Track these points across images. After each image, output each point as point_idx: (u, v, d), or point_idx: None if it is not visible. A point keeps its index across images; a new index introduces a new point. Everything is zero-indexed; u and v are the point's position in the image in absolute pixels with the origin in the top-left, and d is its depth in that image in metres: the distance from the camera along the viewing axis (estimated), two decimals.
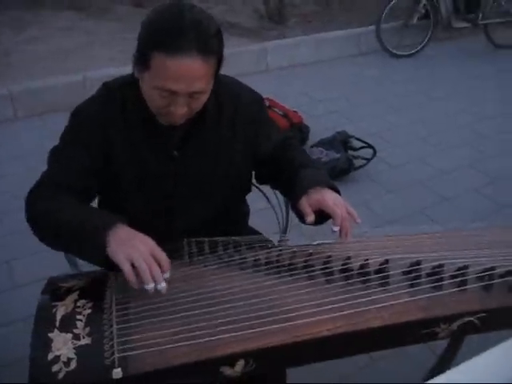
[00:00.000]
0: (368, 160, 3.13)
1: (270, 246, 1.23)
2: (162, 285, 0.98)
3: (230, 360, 0.94)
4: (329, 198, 1.14)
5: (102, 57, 4.50)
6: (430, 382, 0.62)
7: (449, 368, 1.68)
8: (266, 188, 1.55)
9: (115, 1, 6.26)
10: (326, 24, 5.62)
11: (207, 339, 0.94)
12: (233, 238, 1.23)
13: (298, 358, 1.00)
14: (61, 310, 1.02)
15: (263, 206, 1.72)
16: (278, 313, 1.00)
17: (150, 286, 0.97)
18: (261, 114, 1.31)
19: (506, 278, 1.11)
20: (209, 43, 1.05)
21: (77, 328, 0.97)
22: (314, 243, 1.28)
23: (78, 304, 1.03)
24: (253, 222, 1.56)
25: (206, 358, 0.93)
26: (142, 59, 1.07)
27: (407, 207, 2.77)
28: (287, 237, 1.53)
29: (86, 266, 1.46)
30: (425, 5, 5.08)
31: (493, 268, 1.12)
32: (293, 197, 1.21)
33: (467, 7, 5.19)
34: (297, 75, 4.65)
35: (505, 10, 5.25)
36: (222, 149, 1.26)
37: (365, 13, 5.66)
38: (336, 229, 1.12)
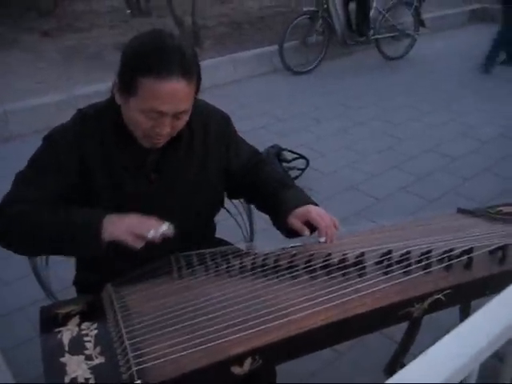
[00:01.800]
0: (302, 170, 3.29)
1: (250, 253, 1.31)
2: (163, 226, 1.14)
3: (239, 359, 1.00)
4: (313, 211, 1.27)
5: (19, 88, 4.38)
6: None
7: (408, 352, 1.83)
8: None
9: (23, 32, 6.12)
10: (240, 44, 5.82)
11: (215, 342, 1.00)
12: (218, 248, 1.30)
13: (297, 349, 1.09)
14: (67, 335, 1.04)
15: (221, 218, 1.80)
16: (276, 310, 1.08)
17: (151, 232, 1.12)
18: (229, 131, 1.40)
19: (461, 258, 1.27)
20: (191, 66, 1.14)
21: (87, 349, 1.00)
22: (288, 246, 1.38)
23: (83, 327, 1.06)
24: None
25: (218, 361, 0.98)
26: (128, 86, 1.13)
27: (345, 211, 2.94)
28: (254, 244, 1.63)
29: (61, 294, 1.48)
30: (321, 24, 5.42)
31: (451, 250, 1.27)
32: (277, 216, 1.32)
33: (359, 25, 5.66)
34: (217, 96, 4.75)
35: (392, 24, 5.89)
36: (196, 169, 1.33)
37: (275, 32, 5.94)
38: (322, 239, 1.25)
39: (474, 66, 5.47)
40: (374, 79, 5.37)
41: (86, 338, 1.03)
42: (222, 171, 1.38)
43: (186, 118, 1.20)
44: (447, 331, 2.00)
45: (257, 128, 4.08)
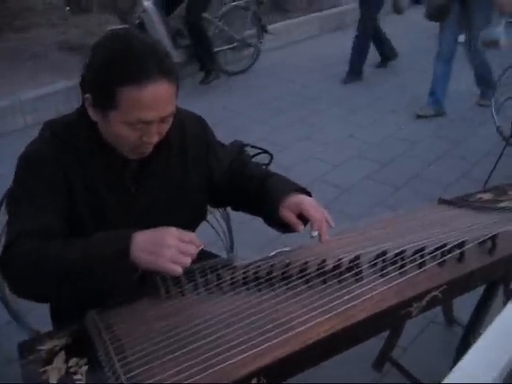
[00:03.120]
0: (266, 165, 3.23)
1: (239, 265, 1.24)
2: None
3: (245, 381, 0.95)
4: (307, 203, 1.19)
5: None
6: None
7: (395, 346, 1.83)
8: None
9: None
10: None
11: (220, 366, 0.94)
12: (205, 263, 1.22)
13: (302, 364, 1.04)
14: (53, 374, 0.95)
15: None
16: (277, 326, 1.02)
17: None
18: (206, 135, 1.33)
19: (453, 253, 1.25)
20: (168, 64, 1.06)
21: None
22: (272, 253, 1.32)
23: (70, 364, 0.97)
24: None
25: None
26: (105, 99, 1.04)
27: None
28: (236, 254, 1.57)
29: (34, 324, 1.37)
30: None
31: (443, 245, 1.25)
32: (266, 210, 1.24)
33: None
34: None
35: (229, 35, 5.01)
36: (175, 179, 1.25)
37: None
38: (315, 234, 1.16)
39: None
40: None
41: (76, 377, 0.94)
42: (203, 178, 1.31)
43: (171, 120, 1.13)
44: (431, 321, 2.00)
45: (212, 125, 3.98)
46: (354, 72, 4.83)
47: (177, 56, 4.49)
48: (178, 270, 0.97)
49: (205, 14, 4.64)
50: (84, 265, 0.99)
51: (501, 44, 3.23)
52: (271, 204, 1.22)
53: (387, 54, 5.15)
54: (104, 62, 1.04)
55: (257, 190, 1.28)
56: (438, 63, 3.98)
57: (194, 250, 0.99)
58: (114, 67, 1.02)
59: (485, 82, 4.09)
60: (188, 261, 0.98)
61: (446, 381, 0.64)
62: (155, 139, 1.11)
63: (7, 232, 1.09)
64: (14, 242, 1.05)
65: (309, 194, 1.27)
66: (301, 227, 1.19)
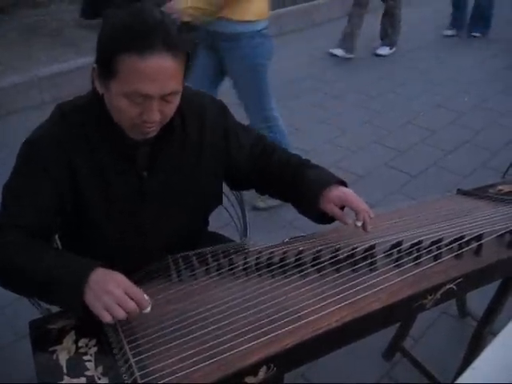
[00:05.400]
0: None
1: (254, 251, 1.23)
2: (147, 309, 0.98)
3: (254, 369, 0.94)
4: (350, 195, 1.22)
5: None
6: None
7: (407, 336, 1.81)
8: None
9: None
10: None
11: (228, 354, 0.93)
12: (218, 247, 1.21)
13: (312, 353, 1.03)
14: (63, 354, 0.95)
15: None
16: (288, 314, 1.01)
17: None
18: (227, 123, 1.29)
19: (471, 245, 1.23)
20: (176, 40, 1.02)
21: (88, 370, 0.91)
22: (286, 239, 1.31)
23: (80, 344, 0.97)
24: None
25: (231, 373, 0.92)
26: (107, 67, 1.01)
27: None
28: (249, 239, 1.55)
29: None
30: None
31: (460, 238, 1.22)
32: (304, 200, 1.26)
33: None
34: None
35: None
36: (190, 164, 1.23)
37: None
38: (360, 223, 1.19)
39: None
40: None
41: (85, 357, 0.94)
42: (220, 164, 1.28)
43: (176, 101, 1.08)
44: (444, 312, 1.97)
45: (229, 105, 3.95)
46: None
47: None
48: (107, 318, 0.94)
49: None
50: (42, 284, 1.02)
51: None
52: (311, 195, 1.23)
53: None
54: (110, 30, 1.02)
55: (293, 178, 1.27)
56: None
57: (132, 307, 0.95)
58: (118, 35, 1.00)
59: None
60: (120, 314, 0.94)
61: (460, 380, 0.63)
62: (156, 118, 1.06)
63: None
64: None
65: (345, 185, 1.27)
66: (349, 220, 1.21)
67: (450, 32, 5.53)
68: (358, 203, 1.21)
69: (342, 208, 1.23)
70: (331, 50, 4.90)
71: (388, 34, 5.01)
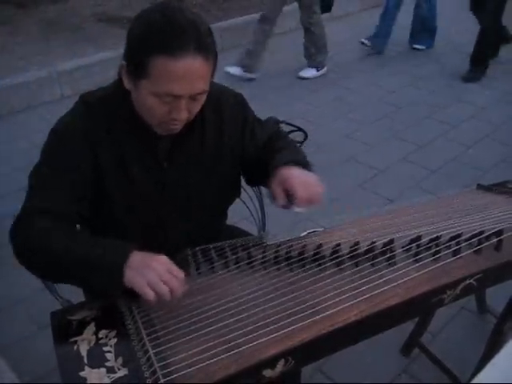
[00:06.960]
0: (300, 143, 3.20)
1: (272, 244, 1.23)
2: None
3: (272, 362, 0.94)
4: (294, 178, 1.12)
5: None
6: None
7: (425, 331, 1.80)
8: None
9: None
10: (226, 12, 5.61)
11: (246, 346, 0.94)
12: (237, 240, 1.22)
13: (330, 347, 1.03)
14: (83, 345, 0.96)
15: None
16: (307, 307, 1.01)
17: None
18: (245, 115, 1.30)
19: (491, 241, 1.21)
20: (207, 41, 1.03)
21: (108, 361, 0.93)
22: (304, 233, 1.31)
23: (100, 335, 0.98)
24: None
25: (249, 366, 0.92)
26: (137, 67, 1.02)
27: (347, 184, 2.88)
28: (267, 233, 1.55)
29: (65, 293, 1.39)
30: None
31: (480, 233, 1.21)
32: (266, 180, 1.20)
33: None
34: None
35: None
36: (210, 156, 1.24)
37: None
38: (297, 209, 1.12)
39: None
40: None
41: (105, 348, 0.95)
42: (237, 157, 1.29)
43: (202, 100, 1.10)
44: (463, 307, 1.95)
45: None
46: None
47: None
48: (150, 295, 0.95)
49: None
50: (81, 267, 1.01)
51: None
52: (268, 176, 1.18)
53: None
54: (142, 30, 1.02)
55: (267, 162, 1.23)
56: None
57: (176, 284, 0.97)
58: (151, 36, 1.00)
59: None
60: (165, 290, 0.95)
61: (480, 376, 0.62)
62: (184, 116, 1.08)
63: (24, 203, 1.11)
64: (27, 216, 1.09)
65: (309, 169, 1.22)
66: (280, 202, 1.13)
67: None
68: (298, 188, 1.10)
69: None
70: (227, 69, 4.12)
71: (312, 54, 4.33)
